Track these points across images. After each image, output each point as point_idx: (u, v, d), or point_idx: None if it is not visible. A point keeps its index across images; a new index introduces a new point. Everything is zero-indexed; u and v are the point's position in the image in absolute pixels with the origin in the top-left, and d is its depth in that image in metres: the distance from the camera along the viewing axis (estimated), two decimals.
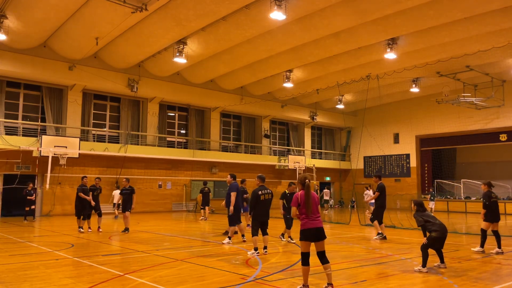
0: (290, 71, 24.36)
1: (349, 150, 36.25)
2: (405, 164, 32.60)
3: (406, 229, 15.54)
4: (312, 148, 34.65)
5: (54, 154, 19.89)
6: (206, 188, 20.37)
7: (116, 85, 23.15)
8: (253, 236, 9.52)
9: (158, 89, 24.92)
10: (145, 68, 23.99)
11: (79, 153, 21.00)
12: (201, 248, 10.63)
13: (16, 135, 20.84)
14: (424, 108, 30.51)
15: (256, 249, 9.47)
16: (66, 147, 20.45)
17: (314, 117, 32.56)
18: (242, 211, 15.02)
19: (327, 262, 6.27)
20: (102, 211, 14.62)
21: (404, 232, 14.85)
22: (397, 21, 17.27)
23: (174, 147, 26.90)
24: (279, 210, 12.15)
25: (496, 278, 7.45)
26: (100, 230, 13.91)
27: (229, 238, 11.35)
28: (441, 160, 33.16)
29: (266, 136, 31.17)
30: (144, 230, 14.92)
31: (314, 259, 6.32)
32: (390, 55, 19.74)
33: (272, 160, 30.17)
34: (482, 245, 9.99)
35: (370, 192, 24.42)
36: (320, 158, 34.65)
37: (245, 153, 29.77)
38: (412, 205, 8.41)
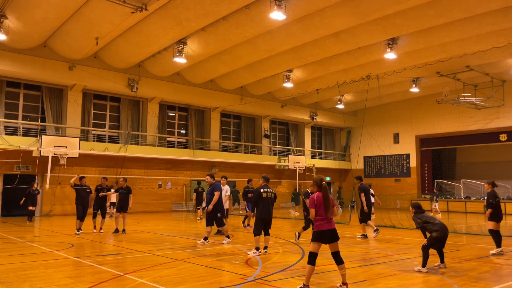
0: (290, 71, 24.36)
1: (349, 150, 36.25)
2: (405, 164, 32.60)
3: (406, 229, 15.54)
4: (312, 148, 34.66)
5: (54, 154, 19.90)
6: (200, 188, 20.42)
7: (116, 85, 23.15)
8: (255, 235, 9.47)
9: (158, 89, 24.92)
10: (145, 68, 24.00)
11: (79, 153, 21.01)
12: (201, 248, 10.63)
13: (16, 135, 20.84)
14: (424, 108, 30.52)
15: (257, 248, 9.45)
16: (66, 147, 20.46)
17: (314, 117, 32.56)
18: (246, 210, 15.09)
19: (342, 262, 6.31)
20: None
21: (404, 232, 14.85)
22: (397, 21, 17.27)
23: (174, 147, 26.90)
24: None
25: (496, 278, 7.45)
26: (102, 231, 13.88)
27: (228, 237, 11.32)
28: (441, 160, 33.15)
29: (266, 136, 31.17)
30: (144, 230, 14.92)
31: (317, 260, 6.33)
32: (390, 55, 19.74)
33: (272, 160, 30.17)
34: (499, 245, 9.81)
35: (371, 192, 24.25)
36: (320, 158, 34.66)
37: (245, 153, 29.78)
38: (411, 208, 8.42)
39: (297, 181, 29.05)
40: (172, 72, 24.52)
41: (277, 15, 15.52)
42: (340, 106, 30.57)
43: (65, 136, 21.43)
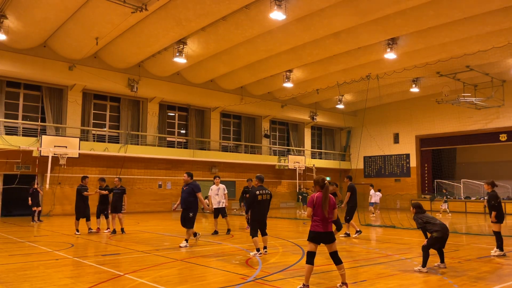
0: (290, 71, 24.36)
1: (349, 150, 36.25)
2: (405, 164, 32.60)
3: (406, 229, 15.54)
4: (312, 148, 34.66)
5: (54, 154, 19.90)
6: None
7: (116, 85, 23.15)
8: (253, 237, 9.38)
9: (158, 89, 24.92)
10: (145, 68, 23.99)
11: (79, 153, 21.01)
12: (201, 248, 10.63)
13: (16, 135, 20.84)
14: (424, 108, 30.52)
15: (258, 249, 9.38)
16: (66, 147, 20.46)
17: (314, 117, 32.56)
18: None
19: (341, 262, 6.29)
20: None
21: (404, 232, 14.84)
22: (397, 21, 17.27)
23: (174, 147, 26.90)
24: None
25: (496, 278, 7.45)
26: (106, 231, 13.82)
27: (186, 240, 10.68)
28: (441, 160, 33.15)
29: (266, 136, 31.17)
30: (144, 230, 14.92)
31: (317, 260, 6.32)
32: (390, 55, 19.74)
33: (272, 160, 30.17)
34: (501, 248, 9.74)
35: (373, 191, 24.11)
36: (320, 158, 34.66)
37: (245, 153, 29.78)
38: (411, 208, 8.40)
39: (297, 181, 29.05)
40: (172, 72, 24.52)
41: (277, 15, 15.52)
42: (340, 106, 30.57)
43: (65, 136, 21.43)
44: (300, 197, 25.03)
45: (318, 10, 16.56)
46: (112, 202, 13.64)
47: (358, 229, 13.12)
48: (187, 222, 10.70)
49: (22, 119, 22.01)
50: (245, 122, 30.97)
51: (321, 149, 35.72)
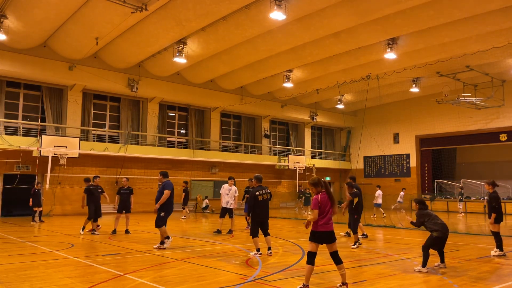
0: (290, 71, 24.36)
1: (349, 150, 36.25)
2: (405, 164, 32.61)
3: (406, 229, 15.54)
4: (312, 148, 34.66)
5: (54, 154, 19.89)
6: (187, 187, 20.75)
7: (116, 85, 23.15)
8: (253, 237, 9.35)
9: (158, 89, 24.92)
10: (145, 68, 24.00)
11: (79, 153, 21.01)
12: (201, 248, 10.63)
13: (16, 135, 20.84)
14: (424, 108, 30.52)
15: (258, 250, 9.35)
16: (66, 147, 20.46)
17: (314, 117, 32.57)
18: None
19: (341, 262, 6.29)
20: (104, 212, 14.52)
21: (404, 232, 14.85)
22: (397, 21, 17.27)
23: (174, 147, 26.90)
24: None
25: (496, 278, 7.45)
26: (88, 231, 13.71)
27: (162, 243, 10.32)
28: (441, 160, 33.15)
29: (266, 136, 31.18)
30: (144, 230, 14.91)
31: (317, 260, 6.32)
32: (390, 55, 19.74)
33: (272, 160, 30.17)
34: (501, 248, 9.74)
35: (380, 192, 22.90)
36: (320, 158, 34.66)
37: (245, 153, 29.78)
38: (414, 204, 8.38)
39: (297, 181, 29.05)
40: (172, 72, 24.52)
41: (277, 15, 15.51)
42: (340, 106, 30.57)
43: (65, 136, 21.43)
44: (303, 197, 24.98)
45: (318, 10, 16.57)
46: (121, 202, 13.66)
47: (365, 233, 12.79)
48: (159, 221, 10.38)
49: (22, 119, 22.01)
50: (245, 122, 30.97)
51: (321, 149, 35.72)
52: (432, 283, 6.92)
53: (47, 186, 19.23)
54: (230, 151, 29.46)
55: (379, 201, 22.32)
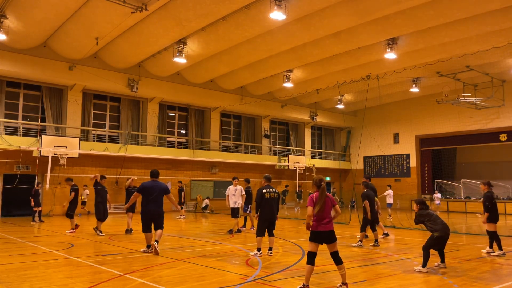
0: (290, 71, 24.36)
1: (349, 150, 36.25)
2: (405, 164, 32.60)
3: (406, 229, 15.54)
4: (312, 148, 34.65)
5: (54, 154, 19.89)
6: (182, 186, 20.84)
7: (116, 85, 23.15)
8: (258, 236, 9.33)
9: (158, 89, 24.92)
10: (145, 68, 24.00)
11: (79, 153, 21.00)
12: (201, 248, 10.63)
13: (16, 135, 20.84)
14: (424, 108, 30.51)
15: (259, 249, 9.34)
16: (66, 147, 20.45)
17: (314, 117, 32.56)
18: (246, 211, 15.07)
19: (341, 262, 6.29)
20: (109, 212, 14.53)
21: (404, 232, 14.85)
22: (397, 21, 17.27)
23: (174, 147, 26.90)
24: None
25: (496, 278, 7.45)
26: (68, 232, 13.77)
27: (148, 246, 10.03)
28: (441, 160, 33.14)
29: (266, 136, 31.18)
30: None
31: (317, 260, 6.32)
32: (390, 55, 19.74)
33: (272, 160, 30.17)
34: (500, 248, 9.73)
35: (390, 192, 22.32)
36: (320, 158, 34.65)
37: (245, 153, 29.78)
38: (415, 204, 8.38)
39: (297, 181, 29.04)
40: (172, 72, 24.52)
41: (277, 15, 15.52)
42: (340, 106, 30.57)
43: (65, 136, 21.42)
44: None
45: (318, 10, 16.57)
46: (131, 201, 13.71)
47: (367, 234, 12.67)
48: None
49: (22, 119, 22.01)
50: (245, 122, 30.97)
51: (321, 149, 35.72)
52: (432, 283, 6.92)
53: (47, 186, 19.23)
54: (230, 151, 29.45)
55: (390, 201, 21.99)
